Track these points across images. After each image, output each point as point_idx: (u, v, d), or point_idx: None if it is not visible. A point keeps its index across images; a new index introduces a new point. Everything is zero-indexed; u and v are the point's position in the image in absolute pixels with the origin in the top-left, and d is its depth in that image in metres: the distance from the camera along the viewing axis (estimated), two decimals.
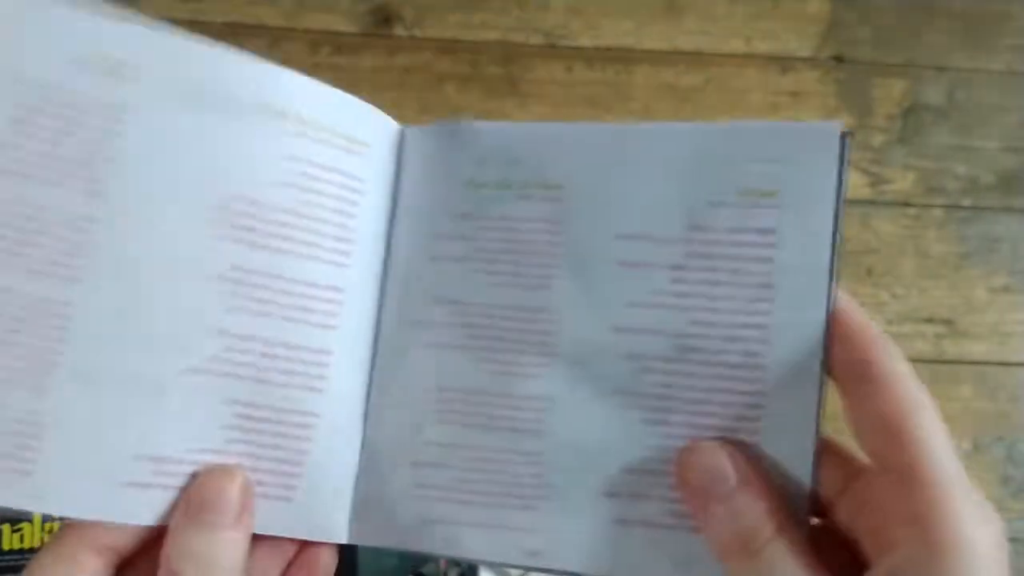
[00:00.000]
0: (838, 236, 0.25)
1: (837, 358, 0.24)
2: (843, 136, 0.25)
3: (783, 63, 0.74)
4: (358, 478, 0.29)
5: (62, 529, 0.26)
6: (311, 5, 0.73)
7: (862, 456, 0.23)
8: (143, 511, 0.26)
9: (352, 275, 0.29)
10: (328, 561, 0.27)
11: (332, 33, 0.72)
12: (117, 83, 0.26)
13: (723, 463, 0.24)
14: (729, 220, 0.26)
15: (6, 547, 0.51)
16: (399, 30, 0.73)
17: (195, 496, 0.26)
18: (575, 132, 0.28)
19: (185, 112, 0.26)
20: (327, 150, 0.29)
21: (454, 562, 0.55)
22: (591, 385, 0.27)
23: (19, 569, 0.51)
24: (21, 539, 0.51)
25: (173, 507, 0.27)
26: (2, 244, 0.25)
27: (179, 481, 0.27)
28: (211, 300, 0.26)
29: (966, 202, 0.73)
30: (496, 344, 0.28)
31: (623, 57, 0.74)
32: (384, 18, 0.73)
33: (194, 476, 0.27)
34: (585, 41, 0.74)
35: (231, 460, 0.27)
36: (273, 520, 0.27)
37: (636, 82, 0.73)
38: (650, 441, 0.26)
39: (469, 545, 0.28)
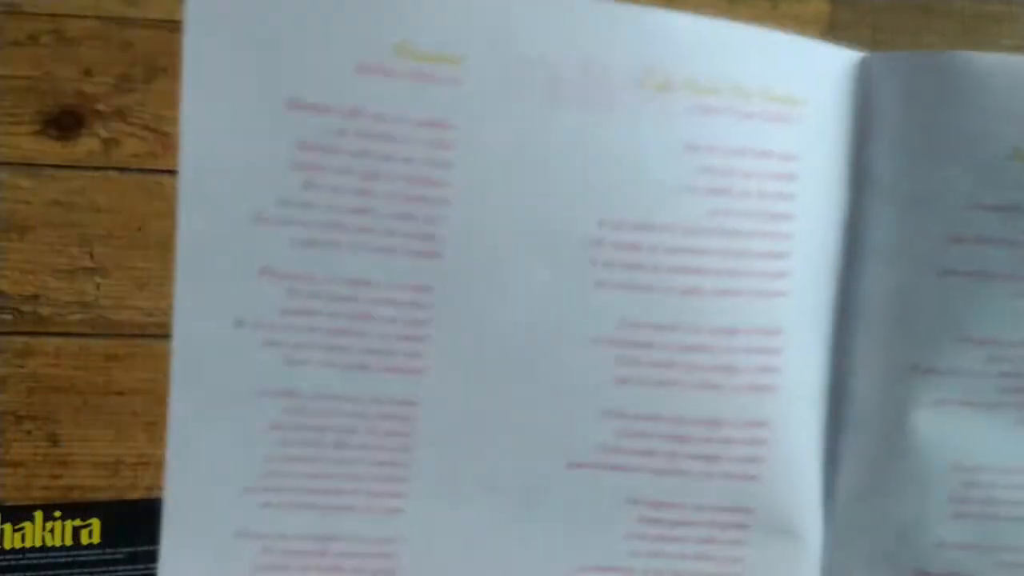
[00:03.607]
0: None
1: None
2: None
3: None
4: None
5: None
6: None
7: None
8: None
9: (793, 306, 0.19)
10: None
11: None
12: (425, 88, 0.17)
13: None
14: None
15: (7, 546, 0.51)
16: None
17: None
18: None
19: (527, 113, 0.17)
20: (742, 124, 0.18)
21: None
22: None
23: (20, 568, 0.51)
24: (23, 538, 0.51)
25: None
26: (325, 338, 0.19)
27: None
28: (593, 372, 0.19)
29: None
30: None
31: None
32: None
33: None
34: None
35: None
36: None
37: None
38: None
39: None
